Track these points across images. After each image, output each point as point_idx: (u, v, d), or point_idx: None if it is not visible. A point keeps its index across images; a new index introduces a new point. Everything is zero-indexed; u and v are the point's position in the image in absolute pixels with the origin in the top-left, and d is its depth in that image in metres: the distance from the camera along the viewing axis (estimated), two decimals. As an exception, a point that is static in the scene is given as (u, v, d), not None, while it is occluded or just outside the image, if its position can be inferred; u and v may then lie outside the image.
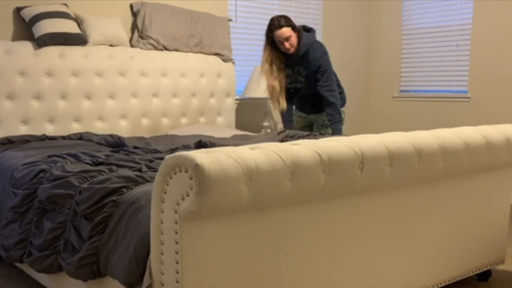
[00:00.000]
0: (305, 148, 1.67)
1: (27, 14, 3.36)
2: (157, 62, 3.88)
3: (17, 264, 2.57)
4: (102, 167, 2.20)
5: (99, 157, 2.45)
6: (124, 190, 1.90)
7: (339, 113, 3.68)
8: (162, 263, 1.56)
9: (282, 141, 3.15)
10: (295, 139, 3.16)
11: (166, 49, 3.96)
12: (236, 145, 2.59)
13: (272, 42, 3.64)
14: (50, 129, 3.42)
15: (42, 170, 2.32)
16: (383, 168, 1.88)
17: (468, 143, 2.22)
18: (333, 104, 3.65)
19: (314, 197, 1.73)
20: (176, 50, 4.01)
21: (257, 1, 4.70)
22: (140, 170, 2.17)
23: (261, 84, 4.29)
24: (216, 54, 4.23)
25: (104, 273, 1.86)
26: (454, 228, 2.35)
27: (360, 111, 5.63)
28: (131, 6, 3.91)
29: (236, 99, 4.56)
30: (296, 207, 1.73)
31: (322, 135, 3.34)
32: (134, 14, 3.91)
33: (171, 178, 1.50)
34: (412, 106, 5.28)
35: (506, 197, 2.61)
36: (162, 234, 1.55)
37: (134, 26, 3.92)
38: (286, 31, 3.57)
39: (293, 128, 3.95)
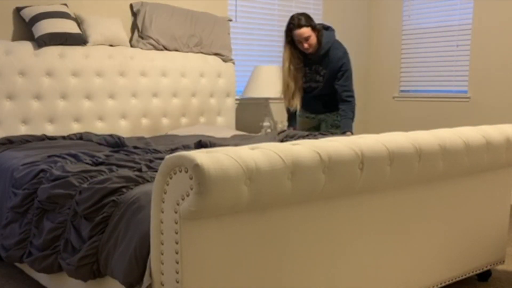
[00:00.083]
0: (305, 148, 1.67)
1: (27, 14, 3.36)
2: (157, 62, 3.88)
3: (17, 264, 2.57)
4: (102, 167, 2.20)
5: (99, 157, 2.45)
6: (124, 190, 1.90)
7: (353, 111, 3.66)
8: (162, 263, 1.56)
9: (282, 141, 3.15)
10: (295, 139, 3.16)
11: (166, 49, 3.96)
12: (236, 145, 2.59)
13: (291, 41, 3.60)
14: (50, 129, 3.42)
15: (42, 170, 2.32)
16: (383, 168, 1.88)
17: (468, 143, 2.22)
18: (349, 102, 3.65)
19: (314, 197, 1.73)
20: (176, 50, 4.01)
21: (257, 1, 4.70)
22: (140, 170, 2.17)
23: (263, 84, 4.29)
24: (216, 54, 4.23)
25: (104, 273, 1.86)
26: (454, 228, 2.35)
27: (360, 111, 5.63)
28: (131, 6, 3.91)
29: (236, 99, 4.56)
30: (296, 207, 1.73)
31: (323, 135, 3.34)
32: (134, 14, 3.91)
33: (171, 178, 1.50)
34: (412, 106, 5.28)
35: (506, 197, 2.61)
36: (162, 234, 1.55)
37: (134, 26, 3.92)
38: (305, 31, 3.52)
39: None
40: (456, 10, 4.88)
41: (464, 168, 2.24)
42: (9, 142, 3.03)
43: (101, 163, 2.34)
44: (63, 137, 3.26)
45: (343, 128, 3.65)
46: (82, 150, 2.71)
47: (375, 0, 5.56)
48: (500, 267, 2.85)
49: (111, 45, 3.68)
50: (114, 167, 2.19)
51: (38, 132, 3.35)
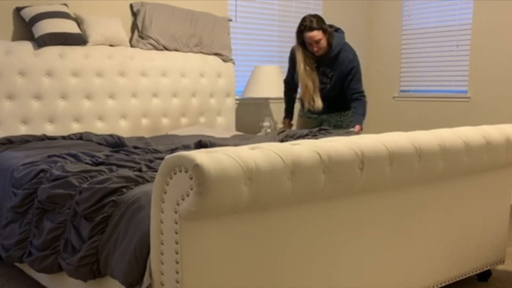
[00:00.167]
0: (305, 148, 1.67)
1: (27, 14, 3.36)
2: (157, 62, 3.88)
3: (17, 264, 2.57)
4: (102, 167, 2.20)
5: (99, 157, 2.45)
6: (124, 190, 1.90)
7: (364, 108, 3.66)
8: (162, 263, 1.56)
9: (282, 141, 3.15)
10: (295, 139, 3.16)
11: (166, 49, 3.96)
12: (236, 145, 2.59)
13: (302, 42, 3.59)
14: (50, 129, 3.42)
15: (42, 170, 2.32)
16: (383, 168, 1.88)
17: (468, 143, 2.22)
18: (360, 99, 3.65)
19: (314, 197, 1.73)
20: (176, 50, 4.01)
21: (257, 1, 4.70)
22: (140, 170, 2.17)
23: (263, 84, 4.30)
24: (216, 54, 4.23)
25: (104, 273, 1.86)
26: (454, 228, 2.35)
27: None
28: (131, 6, 3.91)
29: (236, 99, 4.56)
30: (296, 207, 1.73)
31: (323, 134, 3.33)
32: (134, 14, 3.91)
33: (171, 178, 1.50)
34: (412, 106, 5.28)
35: (506, 197, 2.61)
36: (162, 234, 1.55)
37: (134, 26, 3.92)
38: (316, 34, 3.50)
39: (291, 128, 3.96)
40: (456, 10, 4.88)
41: (464, 168, 2.24)
42: (9, 142, 3.03)
43: (101, 163, 2.34)
44: (63, 137, 3.26)
45: (354, 123, 3.65)
46: (82, 150, 2.71)
47: (375, 0, 5.56)
48: (500, 267, 2.85)
49: (111, 45, 3.68)
50: (114, 167, 2.19)
51: (38, 132, 3.35)
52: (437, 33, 5.04)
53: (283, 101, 4.04)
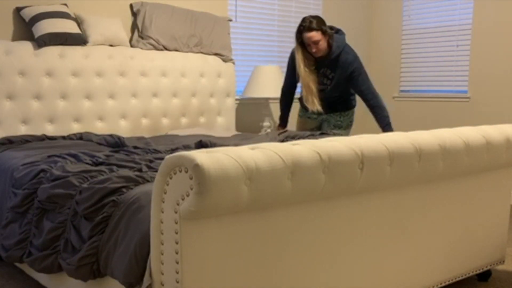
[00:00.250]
0: (305, 148, 1.67)
1: (27, 14, 3.36)
2: (157, 62, 3.88)
3: (17, 264, 2.57)
4: (102, 167, 2.20)
5: (99, 157, 2.45)
6: (124, 190, 1.90)
7: (385, 110, 3.62)
8: (162, 263, 1.56)
9: (282, 141, 3.15)
10: (295, 140, 3.16)
11: (166, 49, 3.96)
12: (236, 145, 2.59)
13: (302, 43, 3.57)
14: (50, 129, 3.42)
15: (42, 170, 2.32)
16: (383, 168, 1.88)
17: (468, 143, 2.22)
18: (378, 106, 3.60)
19: (314, 197, 1.73)
20: (176, 50, 4.01)
21: (257, 1, 4.70)
22: (140, 170, 2.17)
23: (263, 84, 4.29)
24: (216, 54, 4.23)
25: (104, 273, 1.86)
26: (454, 228, 2.35)
27: (360, 111, 5.63)
28: (131, 6, 3.91)
29: (236, 99, 4.56)
30: (296, 207, 1.73)
31: (323, 134, 3.33)
32: (134, 14, 3.91)
33: (171, 178, 1.50)
34: (412, 106, 5.28)
35: (506, 197, 2.61)
36: (162, 234, 1.55)
37: (134, 26, 3.92)
38: (315, 34, 3.47)
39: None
40: (456, 10, 4.88)
41: (464, 168, 2.24)
42: (9, 142, 3.03)
43: (101, 163, 2.34)
44: (63, 137, 3.26)
45: (386, 129, 3.60)
46: (82, 150, 2.71)
47: (375, 0, 5.56)
48: (500, 267, 2.85)
49: (111, 45, 3.68)
50: (114, 167, 2.19)
51: (38, 132, 3.35)
52: (437, 33, 5.04)
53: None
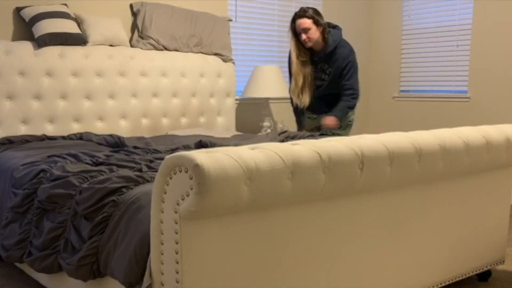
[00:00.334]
0: (305, 148, 1.67)
1: (27, 14, 3.36)
2: (157, 62, 3.88)
3: (17, 264, 2.57)
4: (102, 167, 2.20)
5: (99, 157, 2.45)
6: (124, 190, 1.90)
7: (349, 106, 3.59)
8: (162, 263, 1.56)
9: (282, 141, 3.15)
10: (295, 140, 3.16)
11: (166, 49, 3.96)
12: (236, 145, 2.59)
13: (295, 31, 3.55)
14: (50, 129, 3.42)
15: (42, 170, 2.32)
16: (383, 168, 1.88)
17: (468, 143, 2.22)
18: (348, 96, 3.59)
19: (314, 197, 1.73)
20: (176, 50, 4.01)
21: (257, 1, 4.70)
22: (140, 170, 2.17)
23: (263, 84, 4.29)
24: (216, 54, 4.23)
25: (104, 273, 1.86)
26: (454, 228, 2.35)
27: (360, 111, 5.63)
28: (131, 6, 3.91)
29: (236, 99, 4.56)
30: (296, 207, 1.73)
31: (323, 135, 3.33)
32: (134, 14, 3.91)
33: (171, 178, 1.50)
34: (412, 106, 5.28)
35: (506, 197, 2.61)
36: (162, 234, 1.55)
37: (134, 26, 3.92)
38: (306, 21, 3.45)
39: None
40: (456, 10, 4.88)
41: (464, 168, 2.24)
42: (9, 142, 3.04)
43: (101, 163, 2.34)
44: (63, 137, 3.26)
45: (332, 113, 3.58)
46: (82, 150, 2.71)
47: (375, 0, 5.56)
48: (500, 267, 2.85)
49: (111, 45, 3.68)
50: (114, 167, 2.19)
51: (38, 132, 3.35)
52: (437, 33, 5.04)
53: (283, 101, 4.02)
